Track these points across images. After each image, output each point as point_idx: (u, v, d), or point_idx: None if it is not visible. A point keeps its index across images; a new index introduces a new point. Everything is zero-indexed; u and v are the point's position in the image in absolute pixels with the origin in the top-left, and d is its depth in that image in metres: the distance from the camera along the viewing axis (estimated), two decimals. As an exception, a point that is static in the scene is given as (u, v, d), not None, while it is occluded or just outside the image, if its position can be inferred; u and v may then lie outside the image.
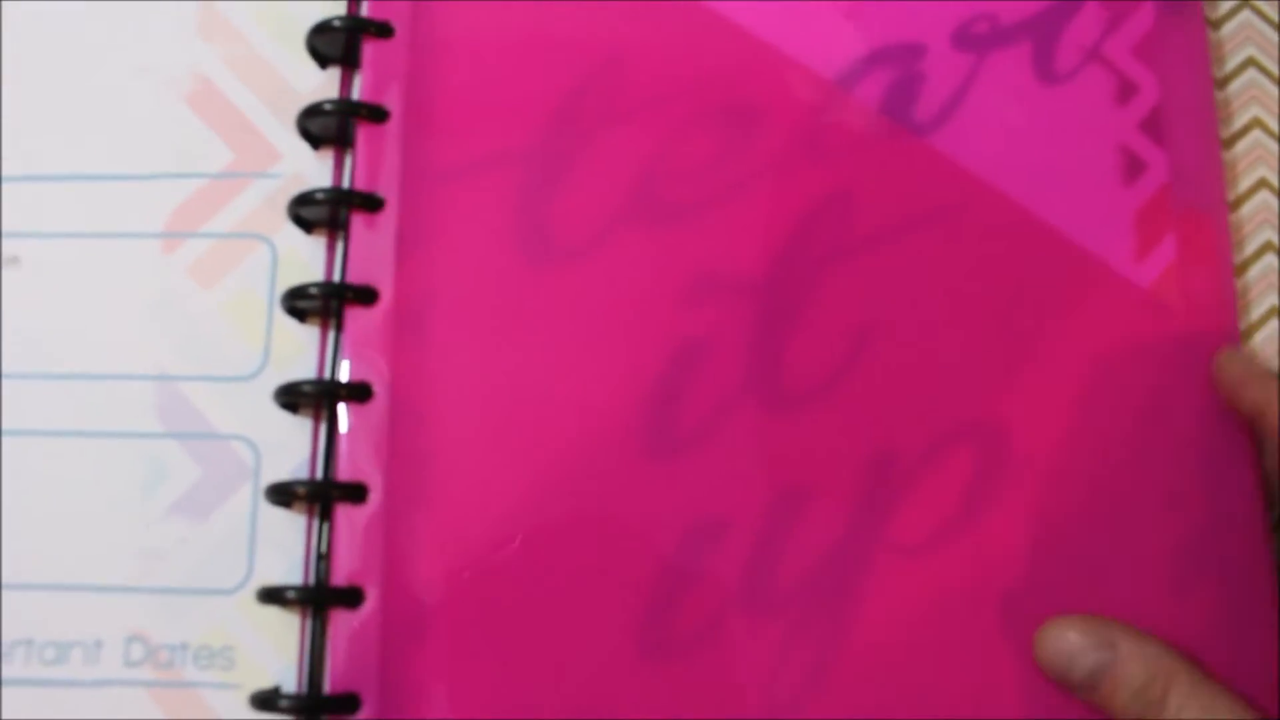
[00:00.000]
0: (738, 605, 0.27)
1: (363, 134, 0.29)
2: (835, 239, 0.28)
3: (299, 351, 0.29)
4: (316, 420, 0.28)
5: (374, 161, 0.28)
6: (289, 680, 0.27)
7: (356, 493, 0.27)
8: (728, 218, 0.28)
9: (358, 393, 0.27)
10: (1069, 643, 0.26)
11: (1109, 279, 0.28)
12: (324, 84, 0.30)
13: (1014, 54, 0.30)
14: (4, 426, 0.29)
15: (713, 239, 0.28)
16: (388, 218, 0.28)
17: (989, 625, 0.27)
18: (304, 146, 0.30)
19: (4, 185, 0.30)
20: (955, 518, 0.27)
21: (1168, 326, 0.28)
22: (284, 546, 0.28)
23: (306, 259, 0.29)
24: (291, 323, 0.29)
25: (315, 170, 0.30)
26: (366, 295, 0.28)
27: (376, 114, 0.29)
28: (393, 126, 0.29)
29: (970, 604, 0.27)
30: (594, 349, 0.28)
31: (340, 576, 0.26)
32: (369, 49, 0.29)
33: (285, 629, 0.27)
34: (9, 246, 0.30)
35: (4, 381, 0.29)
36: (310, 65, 0.30)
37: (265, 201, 0.30)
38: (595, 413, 0.27)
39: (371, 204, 0.28)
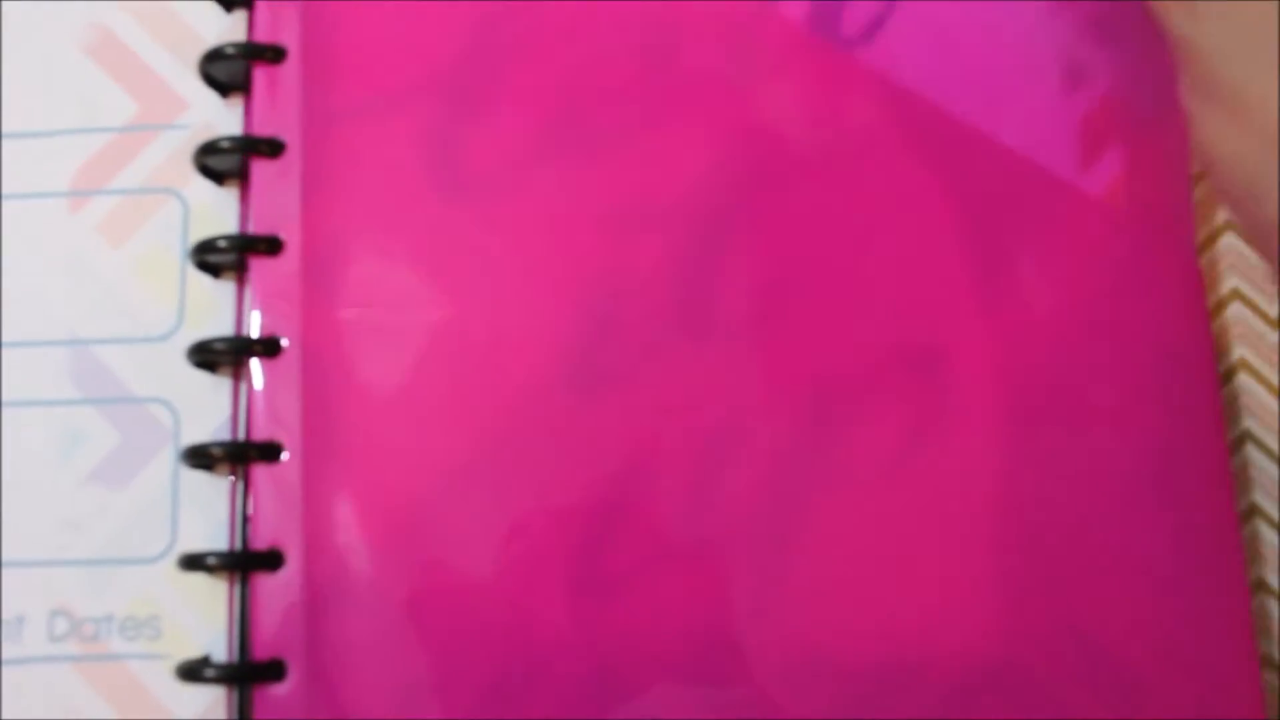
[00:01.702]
0: (677, 542, 0.26)
1: (259, 76, 0.27)
2: (765, 163, 0.27)
3: (214, 308, 0.28)
4: (236, 379, 0.27)
5: (271, 104, 0.27)
6: (218, 648, 0.26)
7: (271, 451, 0.26)
8: (651, 145, 0.27)
9: (267, 348, 0.26)
10: None
11: (1054, 190, 0.27)
12: (231, 27, 0.29)
13: (948, -37, 0.29)
14: (-87, 400, 0.28)
15: (636, 168, 0.27)
16: (290, 162, 0.27)
17: (939, 554, 0.26)
18: (211, 94, 0.29)
19: (-100, 149, 0.29)
20: (902, 446, 0.26)
21: (1118, 238, 0.27)
22: (207, 511, 0.27)
23: (218, 211, 0.28)
24: (206, 279, 0.28)
25: (224, 118, 0.28)
26: (272, 245, 0.26)
27: (273, 54, 0.27)
28: (290, 66, 0.27)
29: (919, 533, 0.26)
30: (515, 288, 0.26)
31: (261, 539, 0.25)
32: None
33: (213, 596, 0.26)
34: (-91, 213, 0.28)
35: (-89, 353, 0.28)
36: (216, 8, 0.29)
37: (173, 154, 0.28)
38: (519, 353, 0.26)
39: (272, 149, 0.27)
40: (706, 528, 0.26)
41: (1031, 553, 0.26)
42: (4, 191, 0.28)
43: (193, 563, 0.26)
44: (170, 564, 0.27)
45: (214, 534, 0.27)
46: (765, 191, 0.27)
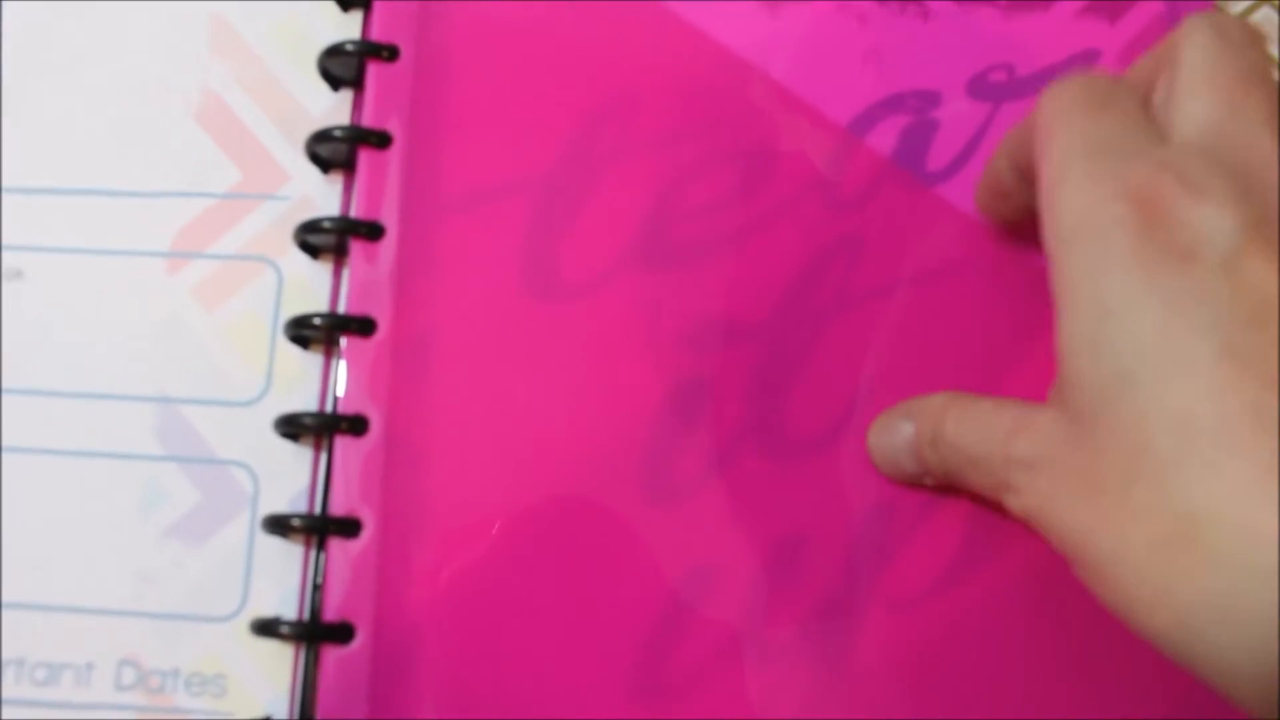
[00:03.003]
0: (731, 652, 0.27)
1: (364, 160, 0.28)
2: (843, 286, 0.28)
3: (301, 378, 0.29)
4: (316, 450, 0.28)
5: (375, 189, 0.28)
6: (280, 710, 0.27)
7: (350, 527, 0.27)
8: (735, 261, 0.28)
9: (354, 425, 0.27)
10: (883, 436, 0.27)
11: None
12: (336, 106, 0.30)
13: (1029, 105, 0.29)
14: (2, 443, 0.28)
15: (719, 281, 0.28)
16: (387, 247, 0.28)
17: (984, 677, 0.27)
18: (313, 168, 0.30)
19: (9, 197, 0.30)
20: (951, 571, 0.27)
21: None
22: (279, 576, 0.28)
23: (312, 284, 0.29)
24: (295, 348, 0.29)
25: (324, 194, 0.30)
26: (365, 326, 0.27)
27: (379, 140, 0.28)
28: (395, 153, 0.28)
29: (965, 656, 0.27)
30: (594, 388, 0.27)
31: (332, 611, 0.26)
32: (373, 72, 0.29)
33: (278, 659, 0.27)
34: (13, 260, 0.29)
35: (3, 397, 0.29)
36: (322, 86, 0.30)
37: (272, 224, 0.29)
38: (594, 452, 0.27)
39: (372, 232, 0.28)
40: (769, 635, 0.26)
41: (1060, 682, 0.27)
42: (106, 247, 0.29)
43: (265, 628, 0.27)
44: (239, 624, 0.27)
45: (284, 599, 0.28)
46: (842, 313, 0.28)
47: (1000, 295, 0.28)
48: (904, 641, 0.27)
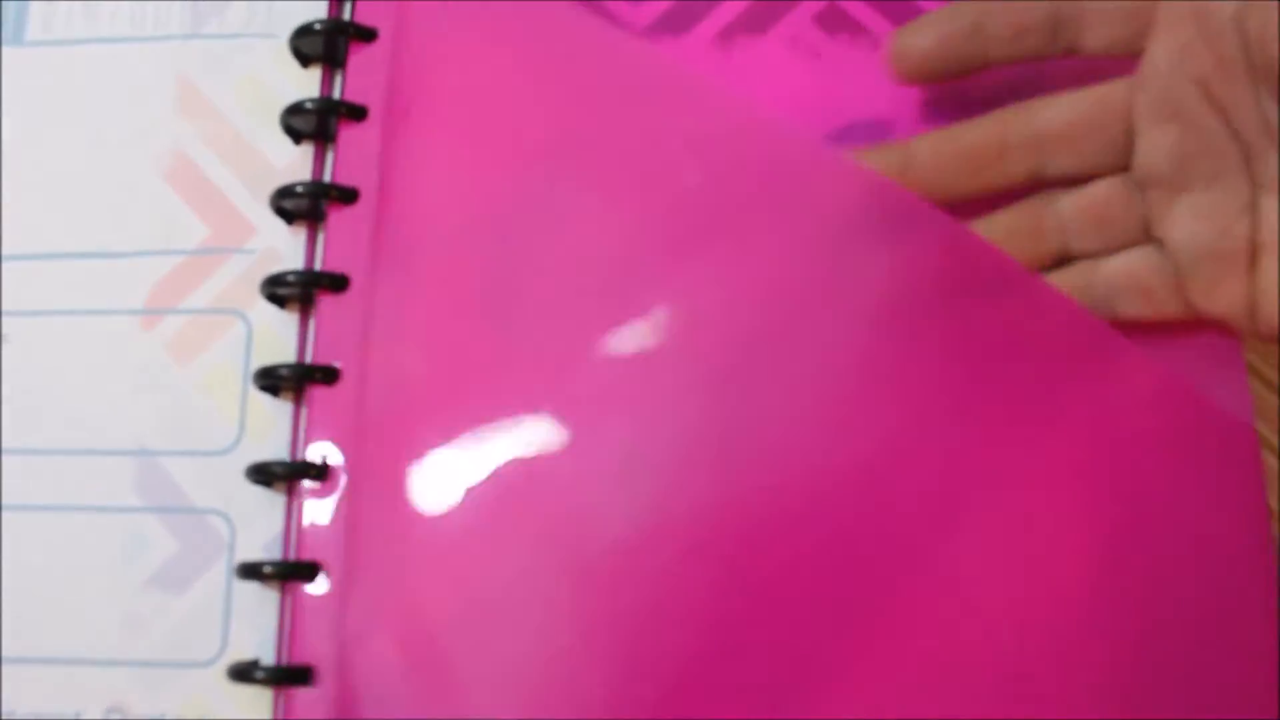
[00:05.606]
0: (707, 682, 0.27)
1: (332, 215, 0.29)
2: (807, 314, 0.28)
3: (273, 426, 0.29)
4: (290, 495, 0.29)
5: (342, 242, 0.29)
6: (262, 752, 0.28)
7: (310, 572, 0.27)
8: (701, 292, 0.28)
9: (319, 473, 0.28)
10: None
11: (1095, 348, 0.28)
12: (299, 159, 0.31)
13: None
14: (-11, 500, 0.29)
15: (687, 312, 0.28)
16: (353, 297, 0.29)
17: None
18: (278, 221, 0.30)
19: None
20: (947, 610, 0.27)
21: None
22: (257, 621, 0.28)
23: (280, 333, 0.30)
24: (265, 397, 0.29)
25: (289, 245, 0.30)
26: (329, 375, 0.28)
27: (346, 195, 0.29)
28: (362, 206, 0.29)
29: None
30: (565, 427, 0.28)
31: (297, 655, 0.27)
32: (343, 131, 0.30)
33: (259, 702, 0.28)
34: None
35: (-9, 456, 0.30)
36: (285, 140, 0.31)
37: (240, 277, 0.30)
38: (565, 493, 0.28)
39: (336, 284, 0.29)
40: (738, 667, 0.27)
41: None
42: (84, 308, 0.30)
43: (241, 673, 0.27)
44: (220, 669, 0.28)
45: (262, 643, 0.28)
46: (801, 345, 0.28)
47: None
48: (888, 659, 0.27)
